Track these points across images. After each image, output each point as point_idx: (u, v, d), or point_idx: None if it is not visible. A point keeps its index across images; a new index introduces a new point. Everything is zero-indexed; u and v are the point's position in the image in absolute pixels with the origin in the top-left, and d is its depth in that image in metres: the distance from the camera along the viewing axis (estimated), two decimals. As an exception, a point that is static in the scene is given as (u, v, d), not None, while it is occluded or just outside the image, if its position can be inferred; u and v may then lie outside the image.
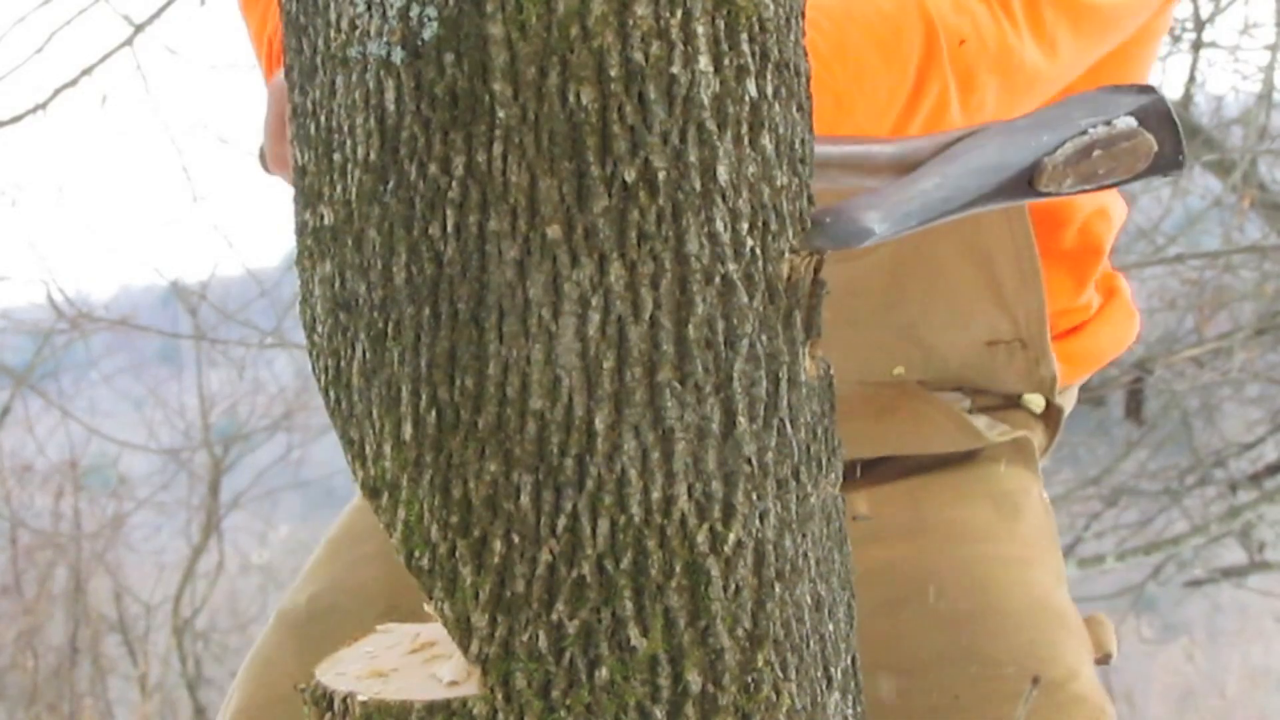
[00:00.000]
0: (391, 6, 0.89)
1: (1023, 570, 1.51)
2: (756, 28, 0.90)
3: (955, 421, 1.57)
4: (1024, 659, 1.45)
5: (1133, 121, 1.08)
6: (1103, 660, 1.53)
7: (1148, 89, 1.11)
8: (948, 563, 1.48)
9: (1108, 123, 1.07)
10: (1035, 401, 1.61)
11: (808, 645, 0.95)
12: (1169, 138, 1.09)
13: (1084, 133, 1.07)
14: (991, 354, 1.56)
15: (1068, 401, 1.65)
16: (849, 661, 1.00)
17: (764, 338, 0.92)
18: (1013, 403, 1.62)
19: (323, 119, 0.93)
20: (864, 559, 1.25)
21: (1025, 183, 1.05)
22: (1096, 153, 1.07)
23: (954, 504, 1.55)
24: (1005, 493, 1.57)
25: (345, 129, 0.92)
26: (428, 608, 0.94)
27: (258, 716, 1.51)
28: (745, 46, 0.90)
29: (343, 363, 0.95)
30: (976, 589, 1.47)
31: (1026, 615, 1.49)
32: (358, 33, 0.90)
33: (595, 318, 0.89)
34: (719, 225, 0.90)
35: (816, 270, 0.95)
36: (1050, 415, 1.63)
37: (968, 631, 1.45)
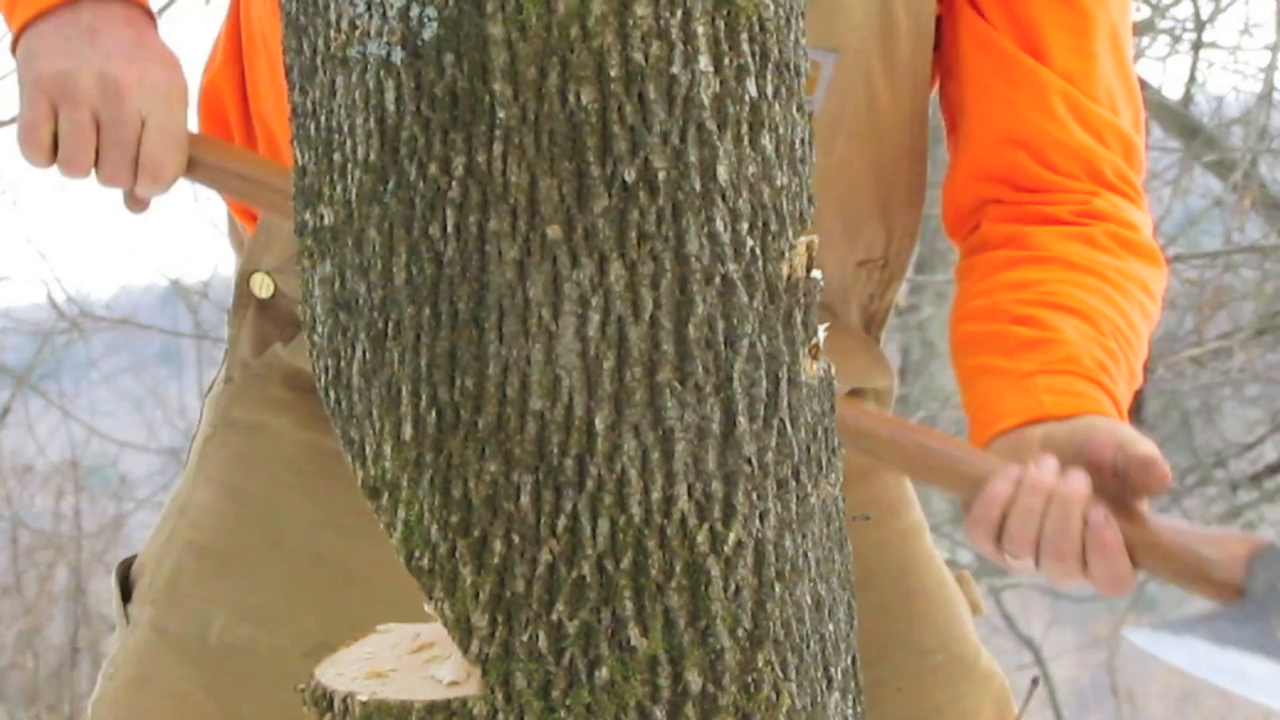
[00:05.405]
0: (391, 6, 0.89)
1: (920, 541, 1.52)
2: (756, 28, 0.90)
3: (870, 353, 1.50)
4: (946, 643, 1.49)
5: None
6: (976, 614, 1.58)
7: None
8: (869, 547, 1.43)
9: None
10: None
11: (808, 645, 0.95)
12: None
13: None
14: (856, 274, 1.46)
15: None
16: (849, 661, 1.00)
17: (764, 338, 0.92)
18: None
19: (323, 119, 0.93)
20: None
21: None
22: None
23: (860, 480, 1.49)
24: None
25: (345, 129, 0.92)
26: (428, 608, 0.95)
27: None
28: (745, 46, 0.90)
29: (343, 363, 0.95)
30: (897, 573, 1.48)
31: (937, 593, 1.51)
32: (358, 33, 0.90)
33: (595, 318, 0.89)
34: (719, 225, 0.90)
35: (809, 268, 0.95)
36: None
37: (900, 620, 1.47)
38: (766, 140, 0.91)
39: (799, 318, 0.94)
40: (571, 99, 0.87)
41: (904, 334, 5.90)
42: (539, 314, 0.89)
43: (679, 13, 0.88)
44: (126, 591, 1.49)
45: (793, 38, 0.93)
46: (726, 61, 0.89)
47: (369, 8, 0.89)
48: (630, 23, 0.87)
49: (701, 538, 0.91)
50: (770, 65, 0.91)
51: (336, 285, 0.94)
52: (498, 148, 0.88)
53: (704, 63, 0.89)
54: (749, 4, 0.90)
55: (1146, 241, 1.44)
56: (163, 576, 1.46)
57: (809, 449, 0.95)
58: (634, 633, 0.91)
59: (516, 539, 0.90)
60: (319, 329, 0.96)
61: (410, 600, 1.40)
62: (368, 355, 0.93)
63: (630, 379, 0.89)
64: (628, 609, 0.90)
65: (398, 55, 0.89)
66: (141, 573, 1.49)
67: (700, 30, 0.88)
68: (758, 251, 0.91)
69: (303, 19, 0.93)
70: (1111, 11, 1.44)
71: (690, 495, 0.90)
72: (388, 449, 0.93)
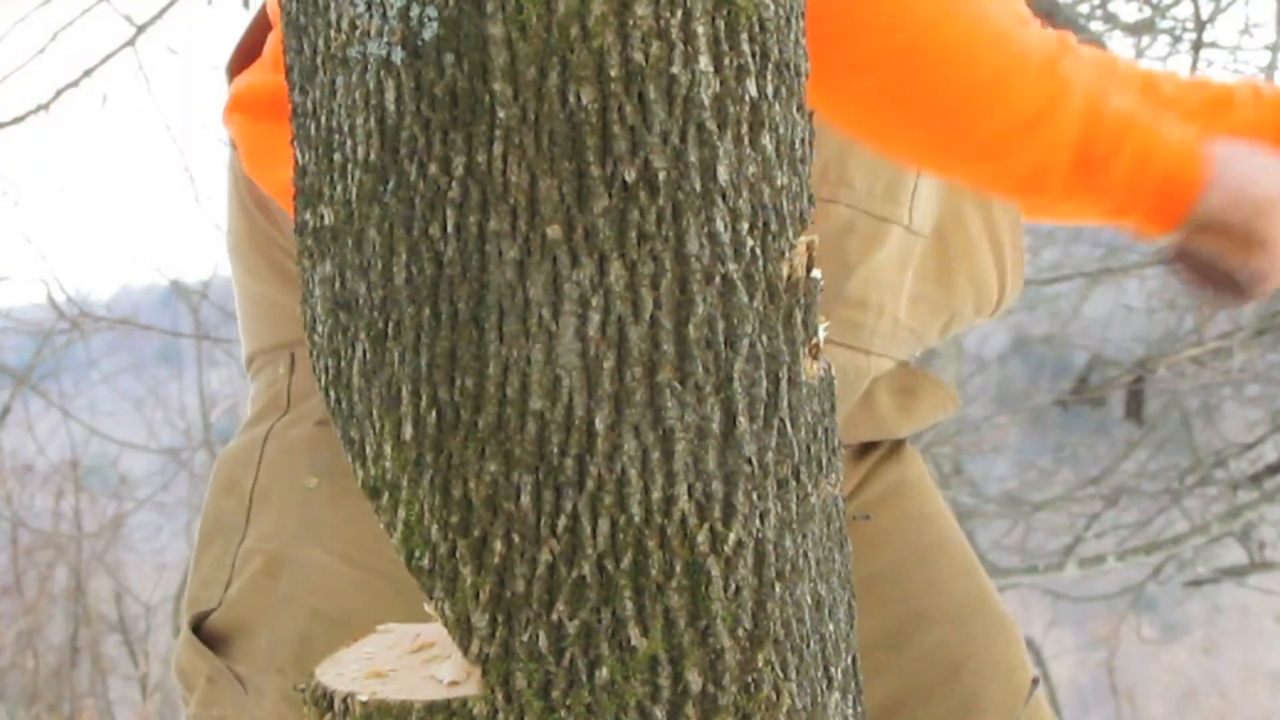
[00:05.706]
0: (391, 6, 0.89)
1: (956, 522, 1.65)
2: (756, 28, 0.90)
3: (950, 393, 1.64)
4: (1005, 609, 1.58)
5: None
6: None
7: None
8: (944, 516, 1.60)
9: None
10: None
11: (808, 645, 0.95)
12: None
13: None
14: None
15: None
16: (849, 661, 1.00)
17: (764, 338, 0.92)
18: None
19: (323, 119, 0.93)
20: (905, 509, 1.49)
21: None
22: None
23: (895, 460, 1.63)
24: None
25: (345, 129, 0.92)
26: (428, 608, 0.95)
27: None
28: (745, 46, 0.90)
29: (343, 363, 0.95)
30: (962, 542, 1.58)
31: (980, 567, 1.61)
32: (358, 33, 0.90)
33: (595, 318, 0.89)
34: (719, 225, 0.90)
35: (809, 268, 0.95)
36: None
37: (976, 582, 1.56)
38: (766, 140, 0.91)
39: (799, 318, 0.94)
40: (571, 99, 0.87)
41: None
42: (539, 314, 0.89)
43: (679, 13, 0.88)
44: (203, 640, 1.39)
45: (793, 38, 0.93)
46: (726, 61, 0.90)
47: (369, 8, 0.89)
48: (630, 23, 0.87)
49: (701, 538, 0.91)
50: (770, 65, 0.91)
51: (336, 285, 0.94)
52: (498, 148, 0.88)
53: (704, 63, 0.89)
54: (749, 4, 0.90)
55: None
56: (286, 643, 1.37)
57: (809, 449, 0.95)
58: (634, 633, 0.91)
59: (516, 539, 0.90)
60: (319, 329, 0.96)
61: None
62: (368, 355, 0.93)
63: (630, 379, 0.89)
64: (628, 609, 0.90)
65: (398, 55, 0.89)
66: (244, 632, 1.40)
67: (700, 30, 0.88)
68: (758, 251, 0.91)
69: (303, 19, 0.93)
70: None
71: (690, 495, 0.90)
72: (388, 449, 0.93)
